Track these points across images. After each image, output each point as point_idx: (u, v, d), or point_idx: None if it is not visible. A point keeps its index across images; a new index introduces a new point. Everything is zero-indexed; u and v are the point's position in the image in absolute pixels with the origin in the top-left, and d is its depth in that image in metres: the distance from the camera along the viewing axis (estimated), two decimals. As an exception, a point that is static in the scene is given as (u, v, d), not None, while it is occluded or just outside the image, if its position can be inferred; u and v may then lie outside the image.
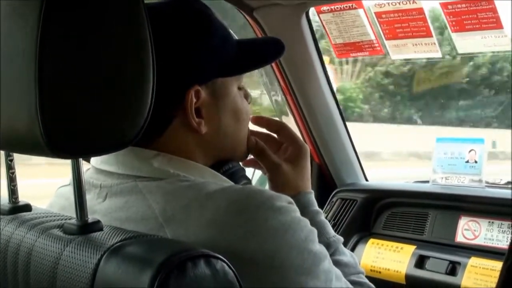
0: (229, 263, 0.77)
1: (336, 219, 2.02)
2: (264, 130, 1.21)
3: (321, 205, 2.07)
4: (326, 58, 2.04)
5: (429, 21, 1.70)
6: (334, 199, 2.09)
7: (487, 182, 1.92)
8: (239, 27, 1.98)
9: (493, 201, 1.81)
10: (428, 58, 1.82)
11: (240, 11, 1.89)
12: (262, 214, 0.89)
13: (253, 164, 1.22)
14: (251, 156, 1.18)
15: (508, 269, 0.92)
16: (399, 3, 1.70)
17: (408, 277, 1.80)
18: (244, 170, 1.11)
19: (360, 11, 1.79)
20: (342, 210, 2.04)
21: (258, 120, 1.21)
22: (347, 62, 5.42)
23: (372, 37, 1.83)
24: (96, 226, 0.83)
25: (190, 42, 0.97)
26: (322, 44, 2.00)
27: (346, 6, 1.80)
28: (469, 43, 1.66)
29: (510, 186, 1.92)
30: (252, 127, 1.16)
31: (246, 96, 1.10)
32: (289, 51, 1.92)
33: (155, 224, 0.89)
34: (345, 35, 1.87)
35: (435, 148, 2.00)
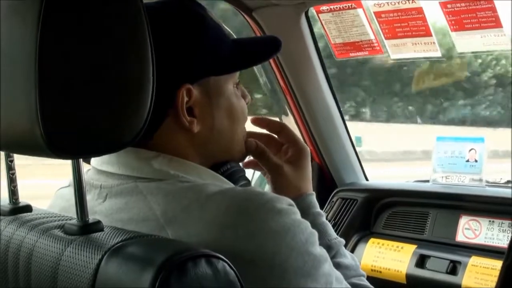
0: (230, 263, 0.77)
1: (337, 219, 2.02)
2: (264, 131, 1.21)
3: (321, 205, 2.07)
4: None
5: (428, 20, 1.70)
6: (334, 199, 2.09)
7: (487, 181, 1.92)
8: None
9: (493, 200, 1.81)
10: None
11: (240, 11, 1.89)
12: (262, 216, 0.88)
13: (254, 166, 1.21)
14: (251, 158, 1.18)
15: (508, 268, 0.92)
16: (398, 3, 1.70)
17: (408, 276, 1.80)
18: (243, 171, 1.10)
19: (360, 10, 1.79)
20: (342, 210, 2.04)
21: (258, 121, 1.21)
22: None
23: (372, 36, 1.83)
24: (96, 226, 0.83)
25: (180, 41, 0.97)
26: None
27: (345, 6, 1.80)
28: (468, 42, 1.66)
29: (510, 185, 1.92)
30: (252, 128, 1.16)
31: (244, 95, 1.09)
32: (289, 51, 1.95)
33: (156, 225, 0.89)
34: (344, 35, 1.87)
35: (435, 147, 2.00)
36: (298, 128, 2.11)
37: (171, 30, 0.96)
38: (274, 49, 1.10)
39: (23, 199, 0.99)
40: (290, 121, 2.13)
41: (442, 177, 1.97)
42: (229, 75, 1.03)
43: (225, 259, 0.76)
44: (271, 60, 1.97)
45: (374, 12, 1.76)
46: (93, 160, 1.03)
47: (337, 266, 1.07)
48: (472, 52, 1.70)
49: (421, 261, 1.80)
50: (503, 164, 3.51)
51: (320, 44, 1.99)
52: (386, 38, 1.80)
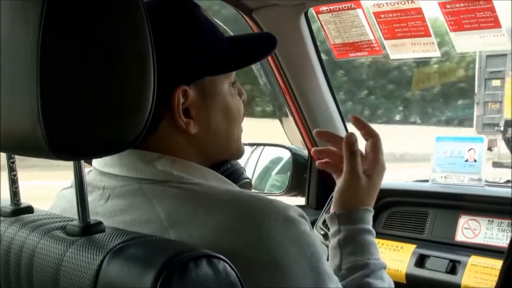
0: (231, 264, 0.77)
1: (336, 219, 2.02)
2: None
3: (321, 205, 2.09)
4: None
5: (427, 20, 1.70)
6: (334, 199, 2.09)
7: (486, 181, 1.92)
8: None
9: (492, 200, 1.82)
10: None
11: (239, 12, 1.89)
12: (267, 225, 0.88)
13: (326, 166, 1.24)
14: (326, 159, 1.21)
15: (508, 268, 0.92)
16: (398, 3, 1.70)
17: (408, 276, 1.80)
18: (243, 169, 1.10)
19: (359, 11, 1.79)
20: (342, 210, 2.03)
21: (357, 120, 1.21)
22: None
23: (371, 37, 1.84)
24: (98, 227, 0.83)
25: (174, 42, 0.96)
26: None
27: (344, 6, 1.80)
28: (467, 42, 1.66)
29: (509, 184, 1.92)
30: (246, 127, 1.16)
31: (240, 93, 1.08)
32: (288, 52, 1.95)
33: (159, 227, 0.88)
34: (344, 35, 1.88)
35: (434, 147, 2.00)
36: (297, 129, 2.12)
37: (165, 30, 0.95)
38: (269, 47, 1.10)
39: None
40: (289, 122, 2.13)
41: (442, 177, 1.97)
42: (225, 75, 1.03)
43: (226, 259, 0.76)
44: (270, 61, 1.97)
45: (374, 13, 1.76)
46: (95, 162, 1.03)
47: (366, 286, 1.07)
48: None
49: (420, 261, 1.80)
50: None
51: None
52: (385, 39, 1.80)
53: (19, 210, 0.96)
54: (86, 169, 0.99)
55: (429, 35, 1.72)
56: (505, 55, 8.81)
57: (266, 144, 2.36)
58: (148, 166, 0.96)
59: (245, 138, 1.12)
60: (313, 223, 2.03)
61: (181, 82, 0.96)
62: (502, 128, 9.27)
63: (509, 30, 1.58)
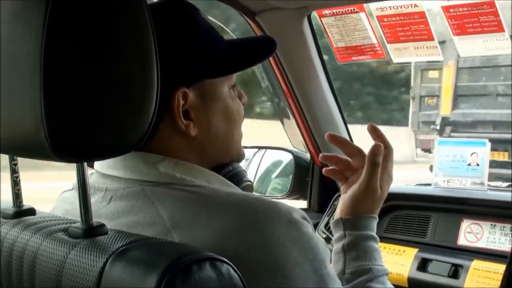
0: (234, 267, 0.77)
1: (338, 223, 2.01)
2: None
3: (323, 208, 2.09)
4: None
5: (430, 24, 1.70)
6: (336, 202, 2.09)
7: (489, 185, 1.92)
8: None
9: (495, 204, 1.82)
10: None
11: (242, 15, 1.89)
12: (270, 227, 0.88)
13: (334, 174, 1.25)
14: (333, 167, 1.23)
15: (511, 273, 0.92)
16: (401, 7, 1.70)
17: (410, 280, 1.80)
18: (245, 172, 1.10)
19: (362, 14, 1.79)
20: (344, 213, 2.03)
21: (373, 129, 1.22)
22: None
23: (374, 40, 1.84)
24: (101, 229, 0.83)
25: (174, 44, 0.96)
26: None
27: (347, 10, 1.80)
28: (470, 46, 1.66)
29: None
30: (246, 130, 1.16)
31: (240, 95, 1.08)
32: (291, 55, 1.95)
33: (162, 230, 0.88)
34: (346, 38, 1.88)
35: (437, 151, 2.00)
36: (299, 132, 2.12)
37: (165, 33, 0.95)
38: (268, 50, 1.10)
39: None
40: (292, 124, 2.13)
41: (444, 180, 1.97)
42: (225, 78, 1.03)
43: (229, 262, 0.76)
44: (273, 63, 1.98)
45: (377, 16, 1.76)
46: (97, 164, 1.03)
47: None
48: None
49: (423, 265, 1.80)
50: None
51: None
52: (388, 42, 1.80)
53: (21, 212, 0.96)
54: (88, 171, 0.99)
55: (432, 39, 1.72)
56: (444, 41, 8.14)
57: (268, 147, 2.36)
58: (150, 169, 0.96)
59: (246, 140, 1.12)
60: (315, 226, 2.03)
61: (181, 84, 0.96)
62: (438, 127, 8.57)
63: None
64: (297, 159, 2.21)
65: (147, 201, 0.92)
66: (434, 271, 1.76)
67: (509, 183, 2.00)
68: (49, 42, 0.73)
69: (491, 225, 1.78)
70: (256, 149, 2.34)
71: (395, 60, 1.83)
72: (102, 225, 0.83)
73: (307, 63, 1.97)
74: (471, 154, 1.93)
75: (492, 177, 2.00)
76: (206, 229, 0.87)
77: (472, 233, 1.81)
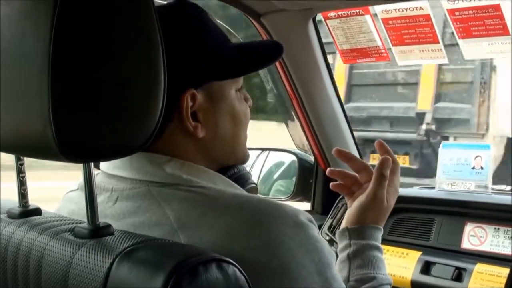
0: (240, 268, 0.77)
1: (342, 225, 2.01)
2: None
3: (327, 211, 2.09)
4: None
5: (436, 27, 1.70)
6: (340, 205, 2.08)
7: (493, 189, 1.92)
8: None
9: (499, 208, 1.81)
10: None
11: (248, 17, 1.89)
12: (276, 230, 0.88)
13: (341, 189, 1.31)
14: (339, 181, 1.28)
15: None
16: (406, 10, 1.70)
17: (413, 283, 1.80)
18: (250, 174, 1.11)
19: (367, 17, 1.79)
20: (347, 216, 2.03)
21: (381, 146, 1.26)
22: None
23: (379, 43, 1.84)
24: (107, 230, 0.83)
25: (184, 46, 0.97)
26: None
27: (353, 12, 1.80)
28: (475, 49, 1.66)
29: (516, 192, 1.92)
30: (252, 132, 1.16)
31: (246, 98, 1.09)
32: (296, 57, 1.95)
33: (169, 230, 0.89)
34: (351, 41, 1.88)
35: (440, 154, 2.00)
36: (304, 133, 2.12)
37: (174, 35, 0.96)
38: (276, 54, 1.11)
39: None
40: (296, 126, 2.13)
41: (448, 184, 1.97)
42: (232, 80, 1.04)
43: (235, 264, 0.76)
44: (278, 65, 1.98)
45: (382, 19, 1.76)
46: (103, 165, 1.03)
47: None
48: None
49: (426, 268, 1.80)
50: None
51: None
52: (393, 45, 1.80)
53: (27, 212, 0.96)
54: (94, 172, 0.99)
55: (437, 42, 1.72)
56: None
57: (272, 149, 2.36)
58: (157, 169, 0.96)
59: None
60: (319, 228, 2.02)
61: (189, 86, 0.97)
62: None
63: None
64: (301, 161, 2.21)
65: (153, 201, 0.93)
66: (438, 274, 1.76)
67: (514, 187, 2.00)
68: (57, 42, 0.73)
69: (495, 228, 1.78)
70: (260, 151, 2.34)
71: (400, 63, 1.83)
72: (109, 226, 0.83)
73: (312, 65, 1.97)
74: (475, 157, 1.92)
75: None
76: (212, 230, 0.88)
77: (476, 236, 1.80)
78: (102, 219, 0.85)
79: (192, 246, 0.84)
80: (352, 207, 1.23)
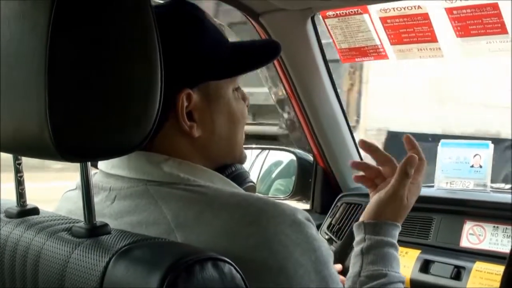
0: (236, 267, 0.77)
1: (341, 224, 2.02)
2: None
3: (326, 210, 2.09)
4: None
5: (434, 26, 1.70)
6: (339, 204, 2.09)
7: (492, 187, 1.92)
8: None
9: (498, 206, 1.81)
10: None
11: (246, 16, 1.89)
12: (274, 228, 0.88)
13: (361, 179, 1.28)
14: (362, 173, 1.26)
15: (510, 273, 0.92)
16: (404, 9, 1.70)
17: (412, 281, 1.80)
18: (248, 173, 1.11)
19: (365, 16, 1.80)
20: (347, 215, 2.03)
21: (409, 141, 1.24)
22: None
23: (377, 42, 1.84)
24: (104, 229, 0.83)
25: (179, 46, 0.97)
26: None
27: (351, 11, 1.80)
28: (474, 48, 1.66)
29: (515, 190, 1.92)
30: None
31: (243, 98, 1.09)
32: (295, 56, 1.95)
33: (166, 229, 0.89)
34: (350, 40, 1.88)
35: (439, 153, 1.99)
36: (303, 133, 2.12)
37: (170, 34, 0.96)
38: (273, 53, 1.11)
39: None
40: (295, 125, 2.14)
41: (447, 182, 1.97)
42: (229, 80, 1.04)
43: (231, 262, 0.76)
44: (276, 64, 1.98)
45: (380, 18, 1.76)
46: (101, 164, 1.03)
47: None
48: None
49: (425, 266, 1.79)
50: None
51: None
52: (391, 44, 1.80)
53: (25, 212, 0.96)
54: (92, 171, 1.00)
55: (436, 41, 1.72)
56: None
57: (271, 148, 2.36)
58: (155, 168, 0.96)
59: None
60: (318, 227, 2.03)
61: (185, 86, 0.97)
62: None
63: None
64: (300, 160, 2.21)
65: (151, 200, 0.93)
66: (437, 273, 1.76)
67: (512, 185, 2.00)
68: (54, 42, 0.73)
69: (494, 227, 1.78)
70: (259, 150, 2.34)
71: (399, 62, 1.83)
72: (105, 225, 0.83)
73: (311, 64, 1.98)
74: (474, 156, 1.92)
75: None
76: (210, 228, 0.88)
77: (475, 234, 1.80)
78: (100, 218, 0.85)
79: (188, 245, 0.84)
80: (371, 201, 1.23)
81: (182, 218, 0.89)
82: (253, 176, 2.24)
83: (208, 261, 0.74)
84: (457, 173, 1.95)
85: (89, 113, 0.76)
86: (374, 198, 1.22)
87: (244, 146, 1.11)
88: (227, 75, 1.03)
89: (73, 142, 0.77)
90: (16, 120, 0.80)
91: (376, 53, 1.86)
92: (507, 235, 1.74)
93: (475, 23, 1.61)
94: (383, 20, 1.76)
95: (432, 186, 2.01)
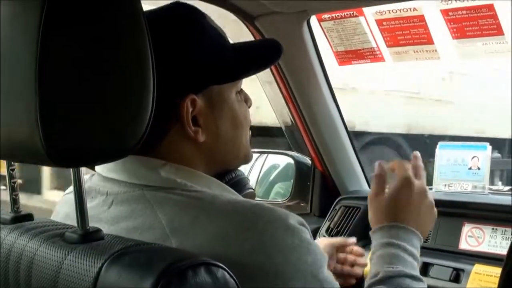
0: (229, 272, 0.77)
1: (339, 227, 2.02)
2: None
3: (324, 213, 2.08)
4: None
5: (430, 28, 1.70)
6: (337, 207, 2.09)
7: (490, 189, 1.91)
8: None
9: (496, 208, 1.81)
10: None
11: (241, 19, 1.89)
12: (269, 233, 0.88)
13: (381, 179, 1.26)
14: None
15: (507, 274, 0.92)
16: (400, 11, 1.70)
17: (412, 284, 1.79)
18: (247, 179, 1.11)
19: (361, 18, 1.79)
20: (345, 218, 2.03)
21: (416, 158, 1.27)
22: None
23: (374, 44, 1.83)
24: (97, 235, 0.83)
25: (181, 51, 0.97)
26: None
27: (347, 14, 1.80)
28: (470, 50, 1.66)
29: (513, 192, 1.91)
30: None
31: (246, 100, 1.09)
32: (291, 59, 1.95)
33: (161, 234, 0.89)
34: (346, 42, 1.88)
35: (437, 155, 1.99)
36: (300, 136, 2.11)
37: (172, 40, 0.96)
38: (275, 54, 1.11)
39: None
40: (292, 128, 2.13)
41: (445, 184, 1.96)
42: (232, 83, 1.04)
43: (224, 267, 0.76)
44: (273, 68, 1.97)
45: (376, 20, 1.76)
46: (99, 167, 1.03)
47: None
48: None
49: (424, 269, 1.79)
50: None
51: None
52: (388, 46, 1.80)
53: (19, 218, 0.96)
54: (89, 174, 1.00)
55: (432, 43, 1.72)
56: None
57: (269, 152, 2.36)
58: (152, 173, 0.96)
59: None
60: (316, 231, 2.03)
61: (189, 91, 0.97)
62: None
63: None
64: (298, 163, 2.21)
65: (147, 205, 0.93)
66: (436, 275, 1.76)
67: (511, 187, 1.99)
68: (45, 45, 0.73)
69: (492, 229, 1.78)
70: (258, 154, 2.34)
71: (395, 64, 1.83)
72: (99, 230, 0.83)
73: (307, 67, 1.97)
74: (472, 158, 1.92)
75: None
76: (205, 234, 0.88)
77: (474, 237, 1.80)
78: (96, 224, 0.86)
79: (181, 250, 0.83)
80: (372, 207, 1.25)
81: (177, 223, 0.89)
82: (252, 180, 2.24)
83: (201, 266, 0.74)
84: (455, 175, 1.95)
85: (80, 117, 0.76)
86: (374, 203, 1.23)
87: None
88: (230, 79, 1.03)
89: (64, 147, 0.76)
90: (8, 125, 0.80)
91: (373, 55, 1.86)
92: (506, 237, 1.74)
93: (471, 24, 1.61)
94: (379, 22, 1.76)
95: (430, 189, 2.00)
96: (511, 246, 0.90)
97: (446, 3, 1.60)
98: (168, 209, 0.91)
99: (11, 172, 0.97)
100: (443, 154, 1.98)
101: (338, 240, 1.59)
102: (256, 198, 1.78)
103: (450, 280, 1.72)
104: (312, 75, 1.98)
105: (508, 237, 1.73)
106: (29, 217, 0.97)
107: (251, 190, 1.10)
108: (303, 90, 2.01)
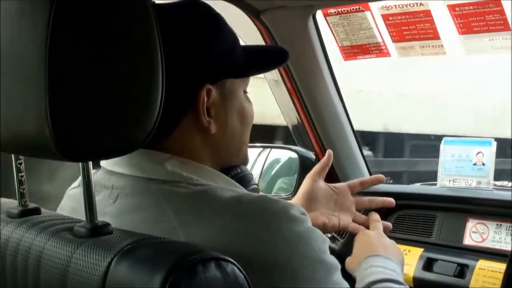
0: (239, 266, 0.77)
1: (343, 222, 2.01)
2: None
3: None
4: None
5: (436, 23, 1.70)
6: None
7: (494, 185, 1.91)
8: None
9: (501, 204, 1.81)
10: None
11: (247, 14, 1.88)
12: (276, 223, 0.89)
13: None
14: None
15: (511, 274, 0.92)
16: (406, 6, 1.69)
17: (416, 279, 1.79)
18: (252, 175, 1.12)
19: (367, 13, 1.79)
20: (349, 213, 2.02)
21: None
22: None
23: (379, 39, 1.83)
24: (106, 229, 0.83)
25: (202, 42, 0.98)
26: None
27: (353, 9, 1.80)
28: (476, 45, 1.66)
29: (517, 188, 1.91)
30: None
31: (249, 101, 1.10)
32: (296, 54, 1.94)
33: (168, 227, 0.89)
34: (352, 37, 1.87)
35: (442, 150, 1.99)
36: (305, 132, 2.11)
37: (194, 30, 0.98)
38: (284, 56, 1.13)
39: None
40: (298, 126, 2.13)
41: (450, 180, 1.96)
42: (243, 80, 1.05)
43: (234, 262, 0.76)
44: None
45: (382, 15, 1.76)
46: (104, 162, 1.03)
47: None
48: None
49: (428, 265, 1.79)
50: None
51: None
52: (393, 41, 1.79)
53: (26, 211, 0.96)
54: (94, 169, 0.99)
55: (438, 38, 1.71)
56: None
57: (273, 146, 2.36)
58: (157, 167, 0.96)
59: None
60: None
61: (206, 81, 0.98)
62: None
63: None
64: (302, 158, 2.20)
65: (153, 199, 0.93)
66: (440, 271, 1.76)
67: (515, 183, 1.99)
68: (54, 41, 0.73)
69: (497, 224, 1.78)
70: (262, 149, 2.34)
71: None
72: (107, 224, 0.83)
73: (313, 62, 1.97)
74: (477, 154, 1.92)
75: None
76: (212, 227, 0.88)
77: (478, 232, 1.80)
78: (102, 217, 0.85)
79: (191, 244, 0.83)
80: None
81: (184, 216, 0.90)
82: (255, 175, 2.23)
83: (211, 261, 0.74)
84: (460, 171, 1.94)
85: (89, 112, 0.76)
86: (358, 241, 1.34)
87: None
88: (244, 74, 1.05)
89: (73, 141, 0.76)
90: (16, 119, 0.80)
91: (378, 50, 1.86)
92: (510, 233, 1.74)
93: (477, 20, 1.60)
94: (385, 17, 1.76)
95: (435, 184, 2.00)
96: None
97: (453, -2, 1.60)
98: (174, 202, 0.91)
99: (19, 166, 0.97)
100: (447, 149, 1.98)
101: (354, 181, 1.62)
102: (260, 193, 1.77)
103: (454, 276, 1.72)
104: (317, 70, 1.98)
105: (513, 233, 1.73)
106: (36, 210, 0.97)
107: (256, 186, 1.11)
108: (308, 85, 2.01)
